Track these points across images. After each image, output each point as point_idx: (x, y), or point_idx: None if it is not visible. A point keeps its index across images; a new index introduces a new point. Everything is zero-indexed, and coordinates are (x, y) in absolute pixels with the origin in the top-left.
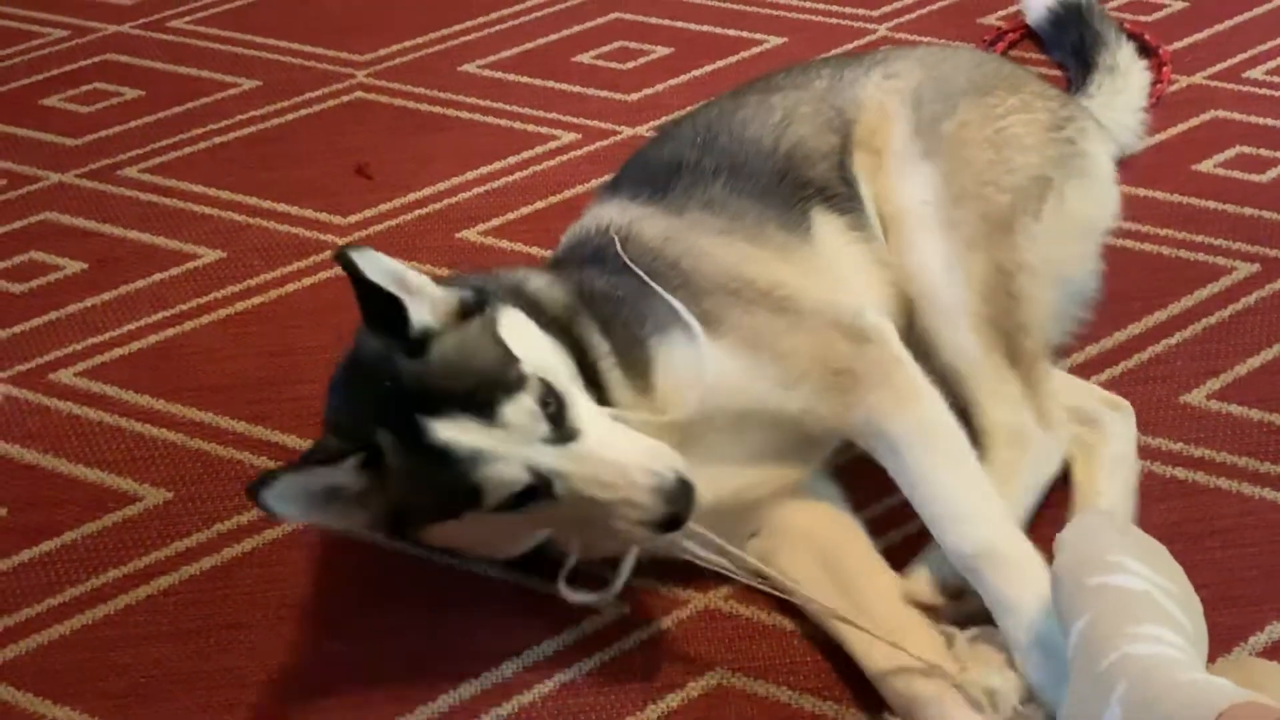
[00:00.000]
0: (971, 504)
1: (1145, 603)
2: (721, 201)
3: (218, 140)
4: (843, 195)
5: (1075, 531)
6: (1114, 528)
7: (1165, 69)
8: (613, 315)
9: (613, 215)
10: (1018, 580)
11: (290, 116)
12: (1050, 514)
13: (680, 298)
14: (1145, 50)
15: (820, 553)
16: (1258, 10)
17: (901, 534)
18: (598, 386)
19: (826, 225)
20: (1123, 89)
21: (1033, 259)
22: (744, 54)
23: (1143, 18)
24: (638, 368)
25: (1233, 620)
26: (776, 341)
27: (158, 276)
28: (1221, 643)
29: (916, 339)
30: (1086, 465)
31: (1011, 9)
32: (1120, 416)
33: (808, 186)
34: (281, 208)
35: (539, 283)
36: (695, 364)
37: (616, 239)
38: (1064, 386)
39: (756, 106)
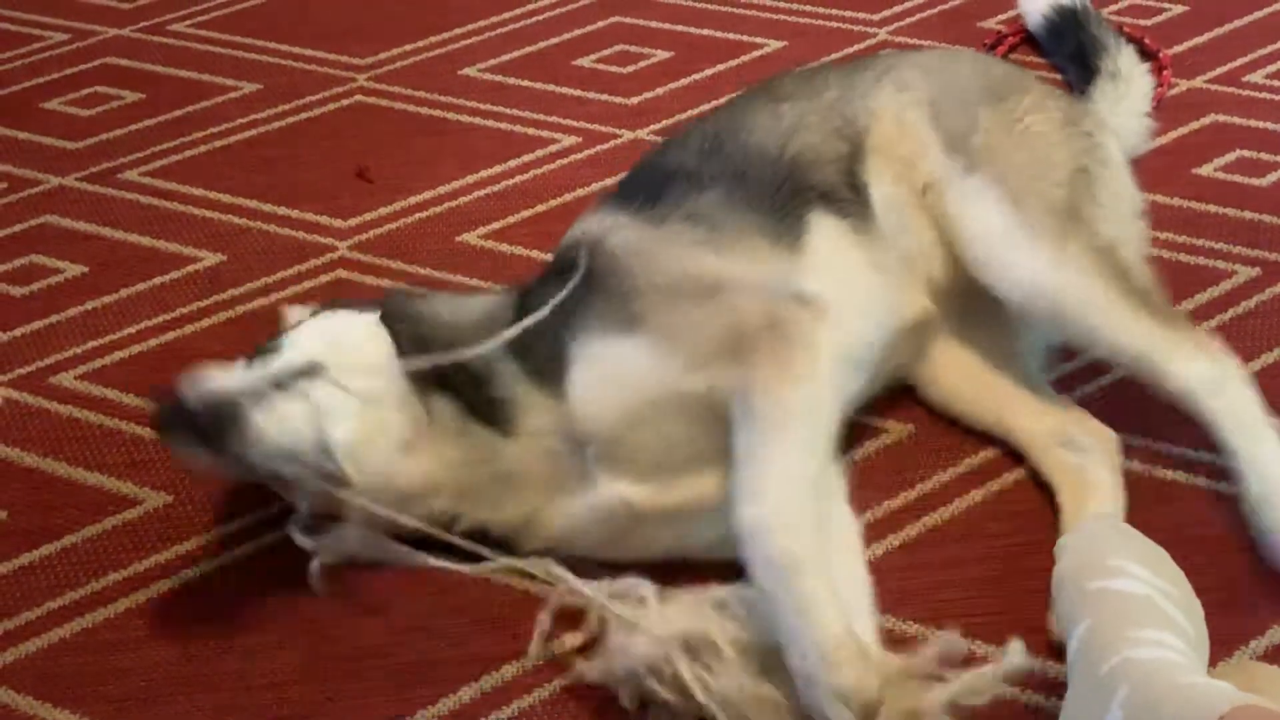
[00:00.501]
0: (778, 488)
1: (1146, 607)
2: (708, 213)
3: (218, 143)
4: (848, 200)
5: (1076, 536)
6: (1115, 532)
7: (1165, 73)
8: (535, 331)
9: (594, 224)
10: (776, 578)
11: (291, 120)
12: (1056, 516)
13: (616, 304)
14: (1145, 54)
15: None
16: (1258, 14)
17: (900, 538)
18: (502, 407)
19: (826, 229)
20: (1125, 94)
21: (1114, 231)
22: (744, 58)
23: (1142, 21)
24: (552, 380)
25: (1234, 624)
26: (691, 324)
27: (158, 280)
28: (1223, 646)
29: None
30: (1074, 494)
31: (1011, 13)
32: (1106, 446)
33: (810, 191)
34: (282, 211)
35: (435, 306)
36: (611, 368)
37: (582, 249)
38: (1046, 412)
39: (765, 114)
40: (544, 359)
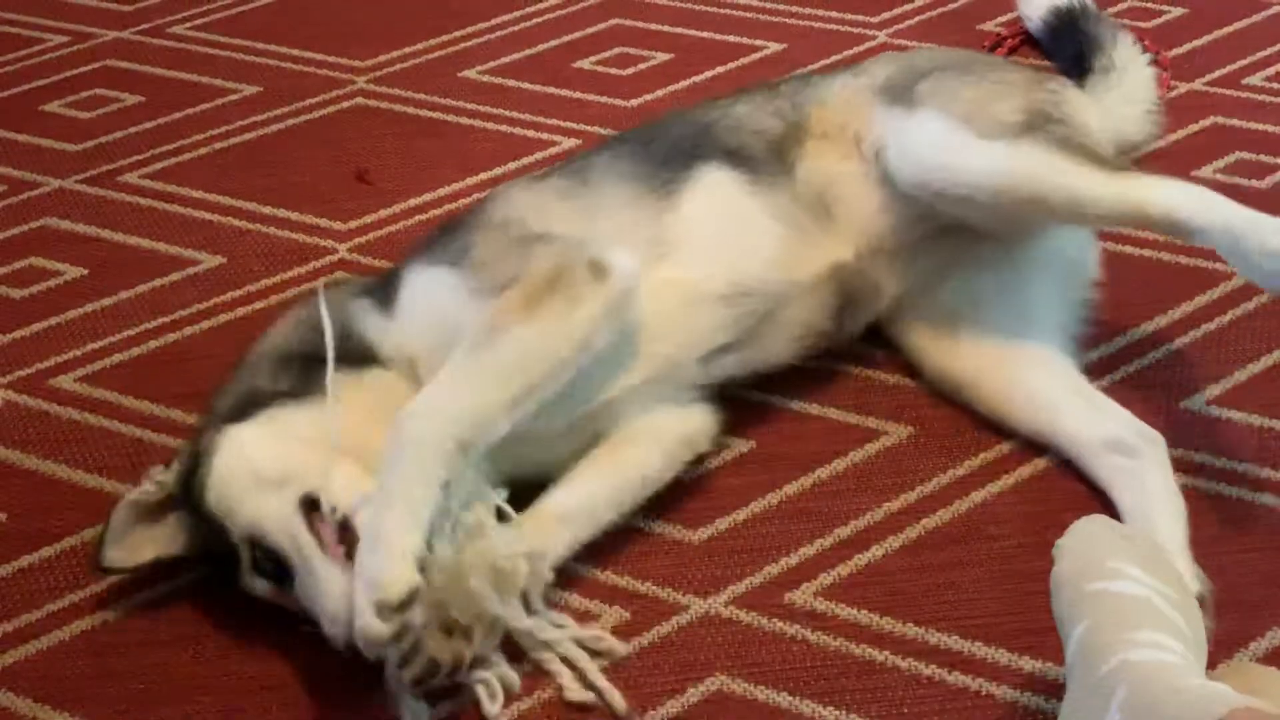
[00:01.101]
0: (444, 399)
1: (1145, 609)
2: (588, 167)
3: (218, 146)
4: (756, 159)
5: (1075, 538)
6: (1114, 534)
7: (1165, 75)
8: (388, 272)
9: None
10: (399, 484)
11: (290, 122)
12: (1055, 518)
13: (451, 239)
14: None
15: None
16: (1257, 16)
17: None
18: (365, 343)
19: (713, 177)
20: (1116, 84)
21: (1071, 134)
22: (743, 60)
23: (1142, 24)
24: (388, 301)
25: (1233, 626)
26: (498, 261)
27: (158, 282)
28: (1222, 648)
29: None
30: (1139, 496)
31: (1011, 15)
32: (1156, 447)
33: (713, 149)
34: (282, 213)
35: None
36: (425, 289)
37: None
38: (1100, 412)
39: (713, 101)
40: (387, 291)
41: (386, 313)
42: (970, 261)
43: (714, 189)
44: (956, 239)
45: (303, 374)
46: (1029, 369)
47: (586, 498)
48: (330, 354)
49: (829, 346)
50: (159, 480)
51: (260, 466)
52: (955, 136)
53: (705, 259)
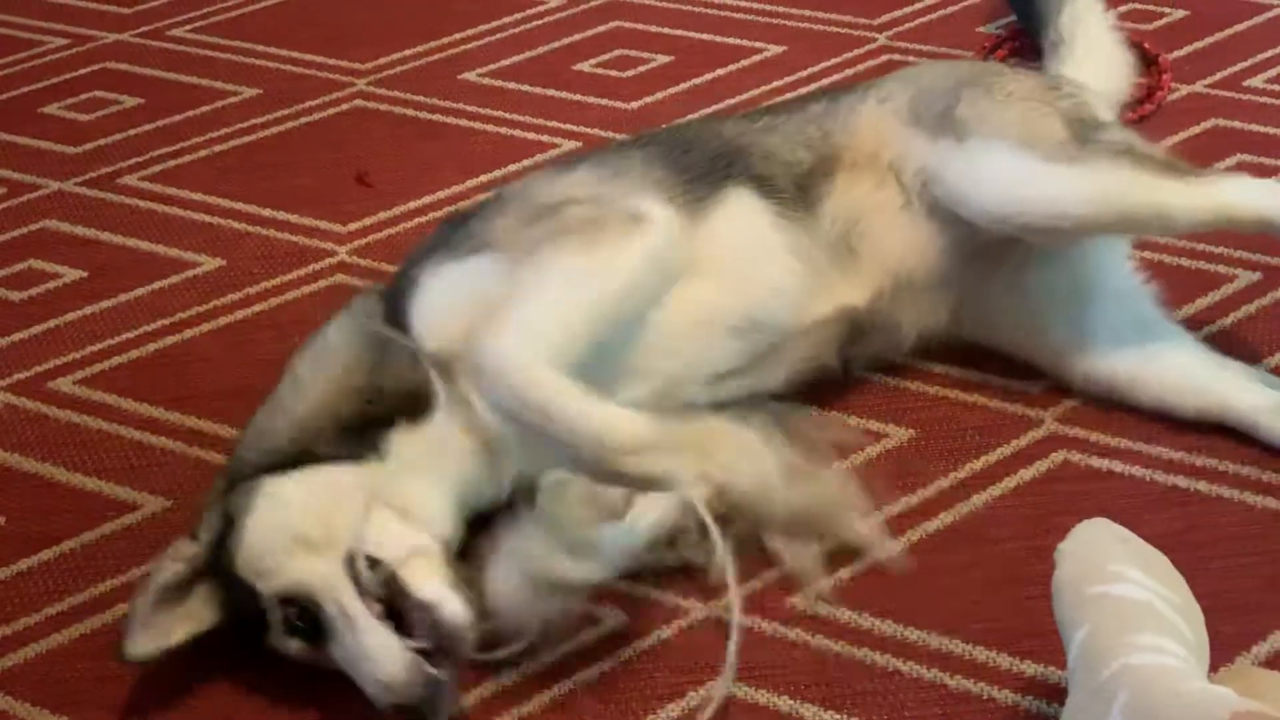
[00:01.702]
0: (522, 330)
1: (1146, 612)
2: (620, 163)
3: (217, 148)
4: (784, 193)
5: (1076, 542)
6: (1115, 537)
7: (1165, 77)
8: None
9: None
10: (518, 398)
11: (290, 125)
12: (1056, 521)
13: (469, 233)
14: (1145, 58)
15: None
16: (1258, 19)
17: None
18: (394, 375)
19: (742, 203)
20: (1066, 58)
21: (1122, 138)
22: (744, 62)
23: (1143, 26)
24: (407, 319)
25: (1235, 629)
26: (528, 236)
27: (157, 284)
28: (1223, 652)
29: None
30: None
31: (1011, 17)
32: None
33: (744, 174)
34: (281, 215)
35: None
36: (447, 285)
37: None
38: (1254, 378)
39: (746, 116)
40: (399, 314)
41: (408, 332)
42: (1026, 269)
43: (743, 215)
44: (997, 257)
45: (358, 440)
46: (1170, 355)
47: None
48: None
49: (833, 376)
50: (187, 555)
51: (303, 529)
52: (1026, 164)
53: (726, 285)
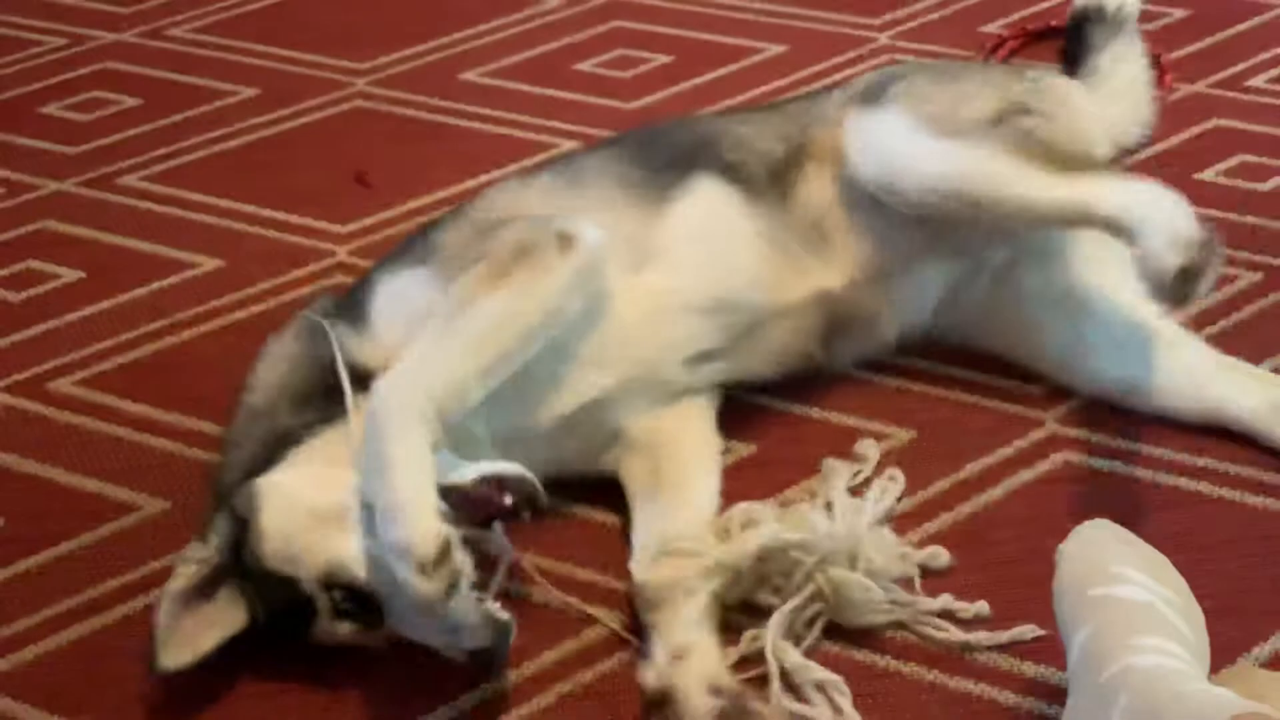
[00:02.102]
0: (418, 367)
1: (1148, 614)
2: (581, 166)
3: (216, 148)
4: (756, 181)
5: (1077, 543)
6: (1116, 539)
7: (1166, 76)
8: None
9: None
10: (390, 450)
11: (289, 125)
12: (1058, 522)
13: (424, 241)
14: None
15: (654, 465)
16: (1259, 19)
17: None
18: (348, 365)
19: (708, 190)
20: (1099, 86)
21: (1035, 125)
22: (745, 62)
23: (1144, 26)
24: (361, 313)
25: (1236, 631)
26: (466, 250)
27: (156, 285)
28: (1225, 653)
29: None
30: None
31: (1014, 16)
32: None
33: (713, 161)
34: (280, 215)
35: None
36: (398, 290)
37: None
38: (1256, 379)
39: (720, 114)
40: (357, 309)
41: (361, 329)
42: (1015, 272)
43: (708, 202)
44: (970, 254)
45: (322, 407)
46: (1170, 359)
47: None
48: (343, 373)
49: (820, 369)
50: (199, 558)
51: (315, 504)
52: (913, 136)
53: (688, 271)
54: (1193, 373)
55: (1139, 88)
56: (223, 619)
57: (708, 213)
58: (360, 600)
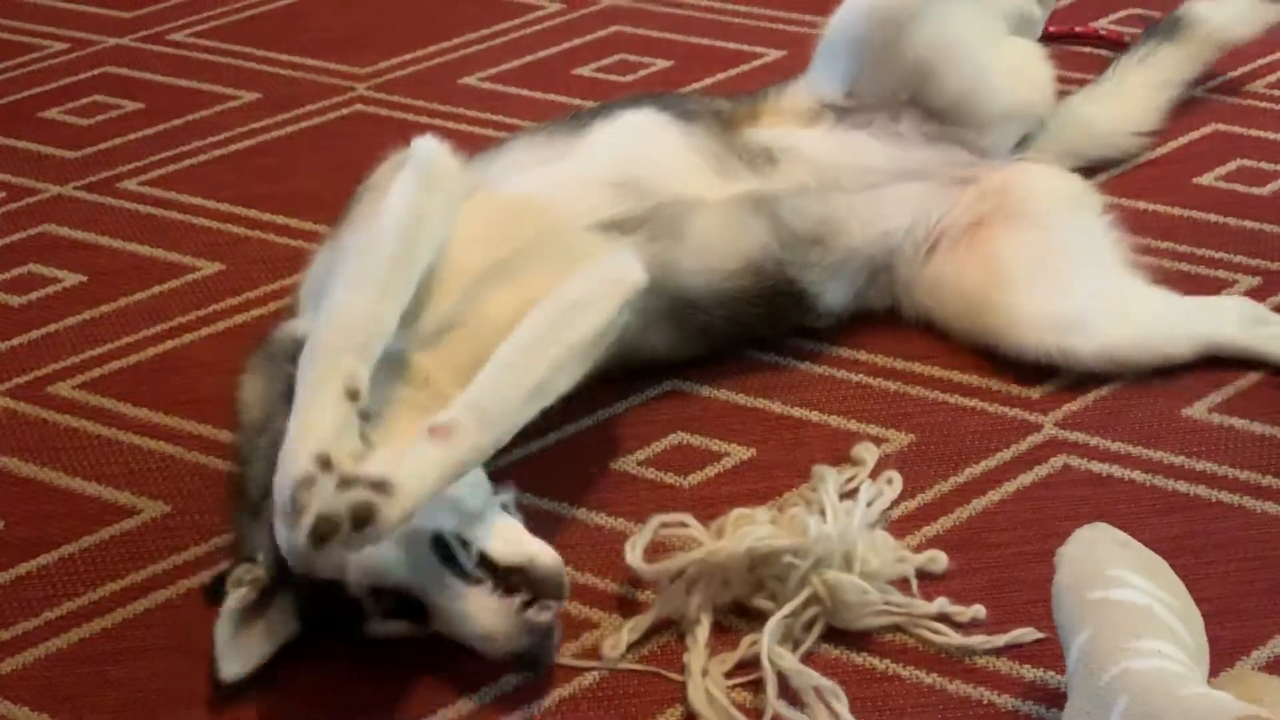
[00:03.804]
0: (337, 314)
1: (1146, 617)
2: (531, 132)
3: (217, 153)
4: (699, 116)
5: (1076, 546)
6: (1115, 542)
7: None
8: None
9: None
10: (305, 414)
11: (290, 129)
12: (1056, 526)
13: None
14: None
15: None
16: None
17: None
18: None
19: (637, 115)
20: (1106, 95)
21: None
22: (744, 67)
23: (1139, 31)
24: (293, 302)
25: (1235, 634)
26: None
27: (156, 289)
28: (1223, 657)
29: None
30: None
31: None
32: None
33: (648, 103)
34: (281, 220)
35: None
36: (317, 265)
37: None
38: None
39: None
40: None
41: (297, 315)
42: (986, 232)
43: (634, 123)
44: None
45: None
46: (1148, 308)
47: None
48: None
49: (772, 327)
50: (251, 579)
51: None
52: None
53: (595, 159)
54: (1175, 315)
55: (1155, 108)
56: (277, 630)
57: (633, 128)
58: (408, 602)
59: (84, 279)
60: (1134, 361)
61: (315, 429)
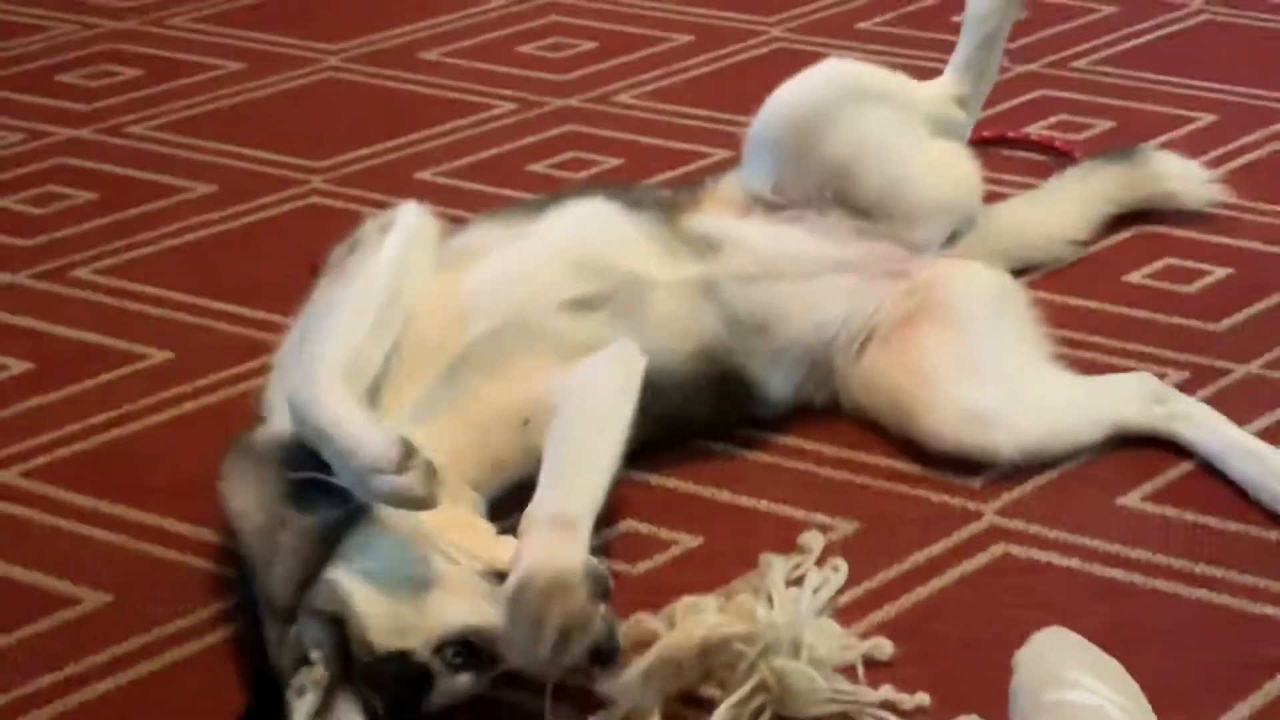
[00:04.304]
0: (320, 354)
1: (1098, 717)
2: (477, 222)
3: (171, 243)
4: (644, 204)
5: (1032, 650)
6: (1071, 644)
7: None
8: None
9: None
10: (319, 414)
11: (245, 220)
12: (998, 613)
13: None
14: (1059, 156)
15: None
16: (1183, 130)
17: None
18: None
19: (587, 204)
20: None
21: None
22: (692, 165)
23: (1071, 136)
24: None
25: (1177, 718)
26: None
27: (105, 377)
28: None
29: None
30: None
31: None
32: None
33: (595, 193)
34: (233, 309)
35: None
36: (288, 341)
37: None
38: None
39: None
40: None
41: (278, 391)
42: (915, 331)
43: (584, 209)
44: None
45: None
46: (1055, 394)
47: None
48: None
49: (722, 413)
50: (314, 680)
51: (403, 571)
52: None
53: (553, 239)
54: (1082, 402)
55: (1087, 207)
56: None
57: (581, 212)
58: (472, 649)
59: (32, 366)
60: (1048, 451)
61: (365, 441)
